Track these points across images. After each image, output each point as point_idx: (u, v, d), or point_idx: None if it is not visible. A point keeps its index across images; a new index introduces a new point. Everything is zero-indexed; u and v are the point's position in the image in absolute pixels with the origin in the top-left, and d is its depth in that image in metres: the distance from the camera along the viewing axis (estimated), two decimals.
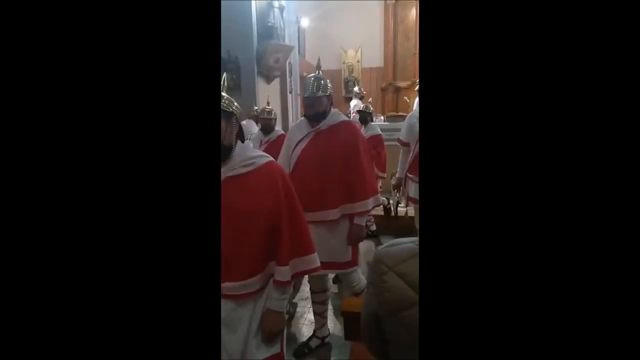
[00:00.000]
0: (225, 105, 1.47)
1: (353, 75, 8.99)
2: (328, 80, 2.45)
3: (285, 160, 2.49)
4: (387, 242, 0.92)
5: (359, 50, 8.94)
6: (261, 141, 3.80)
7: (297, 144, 2.45)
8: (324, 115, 2.40)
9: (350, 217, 2.44)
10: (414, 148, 3.38)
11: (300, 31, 7.55)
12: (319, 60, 2.68)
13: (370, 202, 2.40)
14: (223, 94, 1.50)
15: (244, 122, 5.03)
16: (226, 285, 1.48)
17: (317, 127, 2.40)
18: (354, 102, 6.93)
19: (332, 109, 2.47)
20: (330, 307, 2.89)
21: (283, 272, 1.55)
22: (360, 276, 2.57)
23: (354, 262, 2.49)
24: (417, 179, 3.39)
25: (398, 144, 3.58)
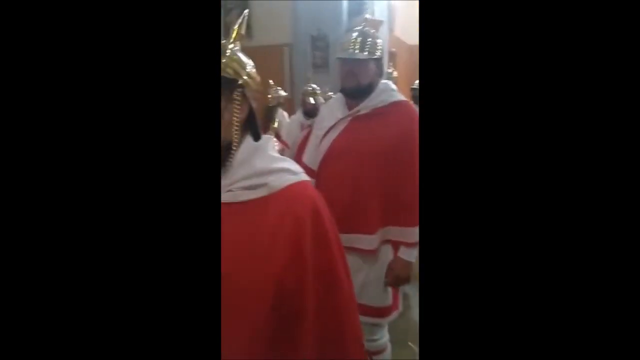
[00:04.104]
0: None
1: None
2: (379, 40, 1.67)
3: (313, 155, 1.76)
4: None
5: None
6: (302, 125, 3.26)
7: (326, 133, 1.69)
8: (368, 89, 1.63)
9: (395, 245, 1.67)
10: None
11: (390, 5, 7.33)
12: (366, 8, 2.03)
13: None
14: None
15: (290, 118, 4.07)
16: None
17: (356, 109, 1.64)
18: None
19: (381, 82, 1.69)
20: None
21: None
22: (385, 331, 1.77)
23: (395, 306, 1.75)
24: None
25: None
